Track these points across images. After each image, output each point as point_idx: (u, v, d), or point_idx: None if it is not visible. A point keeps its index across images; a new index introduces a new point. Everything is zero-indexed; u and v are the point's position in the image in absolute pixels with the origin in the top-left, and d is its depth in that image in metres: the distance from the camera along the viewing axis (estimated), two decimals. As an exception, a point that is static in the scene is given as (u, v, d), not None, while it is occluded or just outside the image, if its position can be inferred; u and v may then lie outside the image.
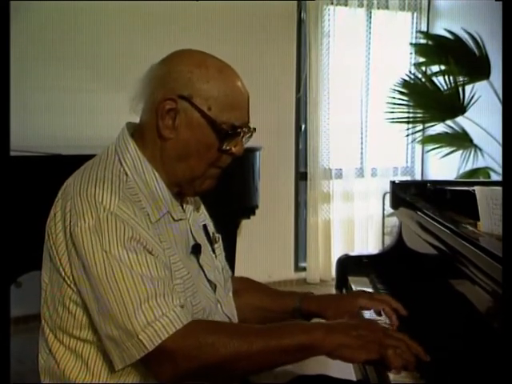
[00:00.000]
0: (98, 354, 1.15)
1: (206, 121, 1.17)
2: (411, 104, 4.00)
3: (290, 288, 4.41)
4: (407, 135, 4.37)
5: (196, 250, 1.26)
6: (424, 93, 3.93)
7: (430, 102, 3.91)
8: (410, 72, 4.21)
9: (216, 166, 1.23)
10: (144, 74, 1.22)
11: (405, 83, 3.98)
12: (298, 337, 1.11)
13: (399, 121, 4.07)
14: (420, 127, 4.16)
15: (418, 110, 4.00)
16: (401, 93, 3.98)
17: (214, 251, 1.35)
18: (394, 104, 4.00)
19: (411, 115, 4.04)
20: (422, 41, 4.33)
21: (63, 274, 1.14)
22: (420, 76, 4.03)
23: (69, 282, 1.14)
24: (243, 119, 1.21)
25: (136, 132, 1.23)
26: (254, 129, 1.24)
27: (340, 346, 1.10)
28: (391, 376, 1.19)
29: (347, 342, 1.11)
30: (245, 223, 3.69)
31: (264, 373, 1.40)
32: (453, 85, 3.81)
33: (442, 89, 3.87)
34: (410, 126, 4.18)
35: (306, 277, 4.58)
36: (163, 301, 1.07)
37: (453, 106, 3.82)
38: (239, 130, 1.20)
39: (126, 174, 1.17)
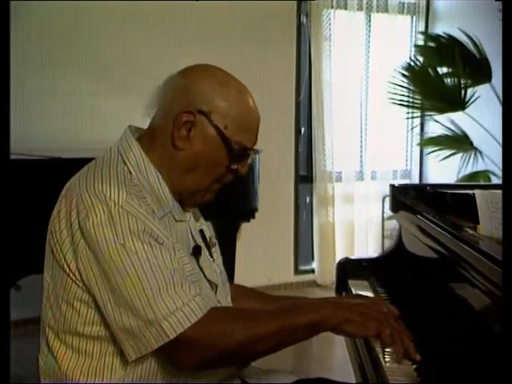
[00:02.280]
0: (102, 351, 1.16)
1: (220, 138, 1.21)
2: (412, 89, 4.02)
3: (290, 291, 4.42)
4: (407, 118, 4.37)
5: (196, 251, 1.28)
6: (426, 80, 3.95)
7: (430, 91, 3.94)
8: (415, 57, 4.20)
9: (219, 182, 1.27)
10: (163, 83, 1.24)
11: (408, 67, 4.00)
12: (308, 315, 1.16)
13: (400, 103, 4.08)
14: (420, 119, 4.17)
15: (419, 97, 4.02)
16: (403, 75, 3.99)
17: (211, 255, 1.36)
18: (396, 85, 4.02)
19: (412, 100, 4.06)
20: (424, 42, 4.33)
21: (67, 270, 1.15)
22: (423, 63, 4.04)
23: (74, 279, 1.15)
24: (253, 142, 1.26)
25: (144, 136, 1.26)
26: (258, 151, 1.28)
27: (344, 322, 1.15)
28: (390, 378, 1.20)
29: (351, 317, 1.15)
30: (244, 226, 3.69)
31: (264, 376, 1.41)
32: (456, 82, 3.82)
33: (445, 82, 3.89)
34: (410, 111, 4.20)
35: (315, 279, 4.59)
36: (181, 290, 1.10)
37: (453, 99, 3.84)
38: (249, 152, 1.25)
39: (130, 173, 1.19)
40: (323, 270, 4.56)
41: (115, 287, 1.10)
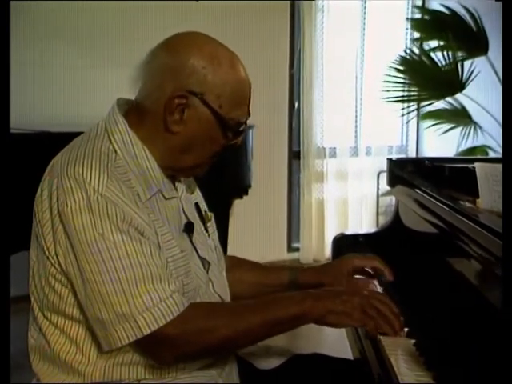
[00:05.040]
0: (87, 332, 1.16)
1: (215, 118, 1.18)
2: (408, 82, 3.97)
3: (283, 269, 4.42)
4: (402, 115, 4.35)
5: (188, 228, 1.26)
6: (422, 70, 3.90)
7: (427, 80, 3.89)
8: (409, 49, 4.17)
9: (216, 155, 1.26)
10: (147, 58, 1.19)
11: (403, 60, 3.95)
12: (289, 308, 1.17)
13: (396, 100, 4.04)
14: (415, 106, 4.13)
15: (416, 88, 3.98)
16: (398, 70, 3.94)
17: (206, 230, 1.35)
18: (391, 82, 3.97)
19: (408, 94, 4.02)
20: (419, 16, 4.30)
21: (47, 253, 1.14)
22: (417, 52, 4.00)
23: (53, 262, 1.14)
24: (247, 113, 1.24)
25: (132, 111, 1.22)
26: (251, 126, 1.27)
27: (326, 313, 1.17)
28: (389, 353, 1.20)
29: (333, 308, 1.17)
30: (237, 203, 3.69)
31: (261, 353, 1.41)
32: (451, 60, 3.78)
33: (440, 65, 3.85)
34: (406, 105, 4.16)
35: (299, 257, 4.59)
36: (160, 286, 1.09)
37: (451, 82, 3.80)
38: (243, 127, 1.23)
39: (115, 152, 1.16)
40: (306, 248, 4.56)
41: (90, 277, 1.08)
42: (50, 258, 1.13)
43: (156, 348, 1.11)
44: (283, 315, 1.16)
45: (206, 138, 1.20)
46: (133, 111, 1.22)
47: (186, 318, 1.10)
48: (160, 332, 1.07)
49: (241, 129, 1.23)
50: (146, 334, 1.07)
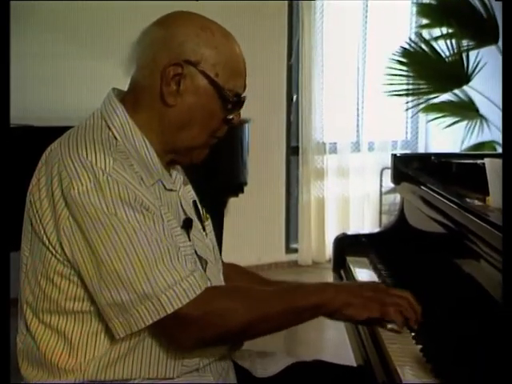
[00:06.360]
0: (82, 328, 1.16)
1: (213, 88, 1.20)
2: (412, 75, 3.97)
3: (281, 271, 4.43)
4: (406, 109, 4.34)
5: (187, 224, 1.27)
6: (425, 62, 3.90)
7: (431, 72, 3.89)
8: (410, 39, 4.16)
9: (215, 136, 1.27)
10: (139, 36, 1.22)
11: (405, 52, 3.94)
12: (311, 297, 1.21)
13: (399, 94, 4.04)
14: (420, 100, 4.12)
15: (419, 82, 3.97)
16: (400, 62, 3.94)
17: (204, 229, 1.35)
18: (393, 75, 3.96)
19: (412, 87, 4.02)
20: (426, 0, 4.28)
21: (47, 243, 1.14)
22: (421, 43, 3.99)
23: (54, 252, 1.14)
24: (244, 87, 1.25)
25: (127, 97, 1.24)
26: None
27: (345, 305, 1.20)
28: (394, 360, 1.19)
29: (352, 301, 1.21)
30: (232, 201, 3.68)
31: (258, 360, 1.41)
32: (456, 50, 3.77)
33: (444, 56, 3.84)
34: (410, 99, 4.16)
35: (297, 259, 4.59)
36: (178, 264, 1.11)
37: (456, 74, 3.79)
38: (242, 99, 1.25)
39: (116, 138, 1.18)
40: (304, 249, 4.56)
41: (106, 259, 1.08)
42: (51, 248, 1.13)
43: (176, 329, 1.12)
44: (304, 304, 1.19)
45: (205, 110, 1.21)
46: (128, 96, 1.24)
47: (208, 298, 1.12)
48: (182, 311, 1.09)
49: (240, 101, 1.24)
50: (169, 312, 1.08)
